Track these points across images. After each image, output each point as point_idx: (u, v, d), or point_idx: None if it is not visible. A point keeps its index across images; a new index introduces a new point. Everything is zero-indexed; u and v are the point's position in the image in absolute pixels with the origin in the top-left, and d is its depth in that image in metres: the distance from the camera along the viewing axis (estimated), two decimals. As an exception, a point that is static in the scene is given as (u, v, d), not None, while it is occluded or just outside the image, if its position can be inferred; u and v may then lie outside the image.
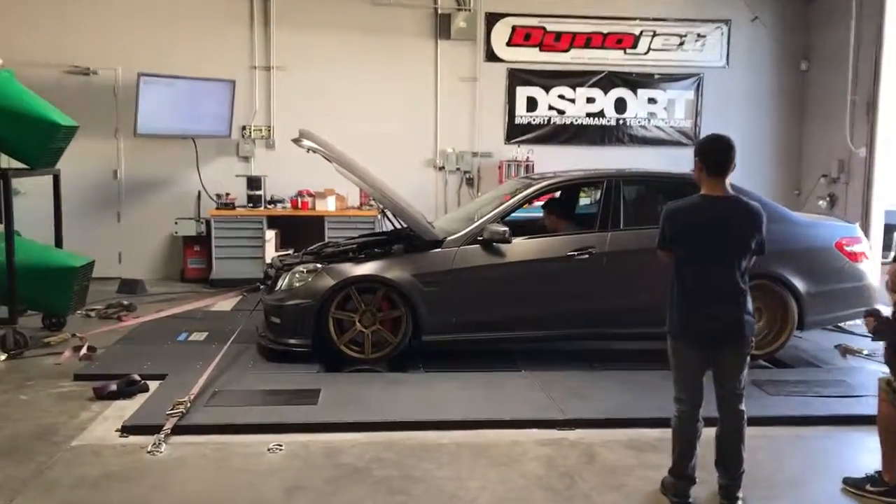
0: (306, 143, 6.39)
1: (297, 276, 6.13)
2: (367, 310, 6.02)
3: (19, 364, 6.07)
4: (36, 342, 6.38)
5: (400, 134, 10.17)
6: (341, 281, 5.99)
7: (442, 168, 10.32)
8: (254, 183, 9.56)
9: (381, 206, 6.52)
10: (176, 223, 9.67)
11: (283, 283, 6.20)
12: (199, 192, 9.96)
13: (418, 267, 6.08)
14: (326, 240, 9.12)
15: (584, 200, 7.47)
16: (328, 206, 9.54)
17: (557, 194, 7.08)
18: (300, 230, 9.64)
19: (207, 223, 9.67)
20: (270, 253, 9.43)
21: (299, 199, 9.62)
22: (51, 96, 7.05)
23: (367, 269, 6.07)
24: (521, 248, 6.15)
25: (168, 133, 9.51)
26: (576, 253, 6.13)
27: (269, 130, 10.07)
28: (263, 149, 10.11)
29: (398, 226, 6.84)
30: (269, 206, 9.62)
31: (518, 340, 6.29)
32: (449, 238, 6.17)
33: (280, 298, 6.12)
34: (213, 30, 9.84)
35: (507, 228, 6.06)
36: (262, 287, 6.92)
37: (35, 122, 6.21)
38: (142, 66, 9.24)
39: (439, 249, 6.14)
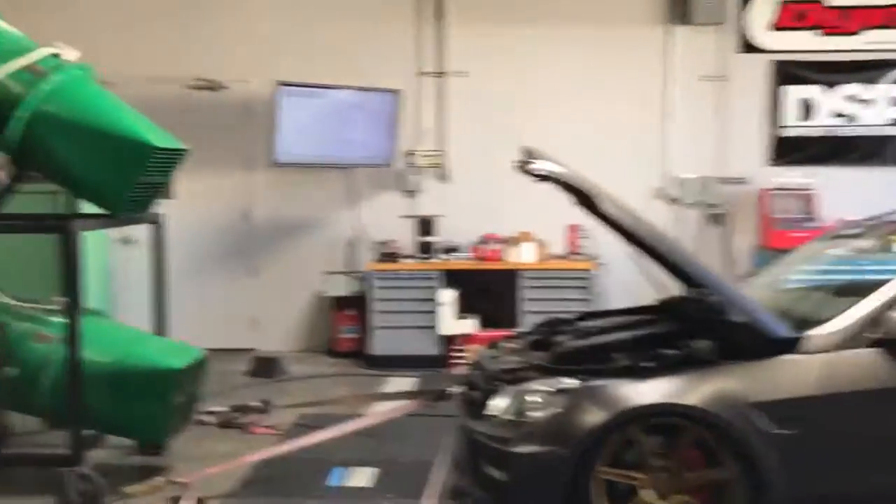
0: (544, 166, 3.78)
1: (532, 399, 3.48)
2: (665, 466, 3.31)
3: (83, 532, 3.76)
4: (113, 488, 4.06)
5: (616, 155, 7.43)
6: (619, 414, 3.30)
7: (675, 200, 7.49)
8: (425, 226, 7.09)
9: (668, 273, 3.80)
10: (324, 279, 7.34)
11: (505, 406, 3.56)
12: (354, 239, 7.62)
13: (758, 387, 3.30)
14: (526, 313, 6.56)
15: None
16: (524, 255, 6.92)
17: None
18: (486, 289, 7.09)
19: (364, 279, 7.29)
20: (447, 320, 6.91)
21: (485, 248, 7.06)
22: (167, 118, 4.80)
23: (660, 391, 3.35)
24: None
25: (314, 161, 7.22)
26: None
27: (443, 156, 7.61)
28: (435, 181, 7.65)
29: (660, 291, 4.14)
30: (443, 257, 7.12)
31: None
32: (813, 334, 3.36)
33: (502, 438, 3.48)
34: (368, 29, 7.51)
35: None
36: (450, 393, 4.37)
37: (115, 144, 3.93)
38: (281, 76, 7.00)
39: (796, 355, 3.34)
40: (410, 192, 7.65)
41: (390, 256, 7.05)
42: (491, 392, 3.69)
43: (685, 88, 7.41)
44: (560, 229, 7.10)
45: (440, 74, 7.57)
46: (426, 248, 7.01)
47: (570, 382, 3.44)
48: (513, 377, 3.67)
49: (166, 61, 7.53)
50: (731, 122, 7.41)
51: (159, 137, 4.14)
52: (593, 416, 3.30)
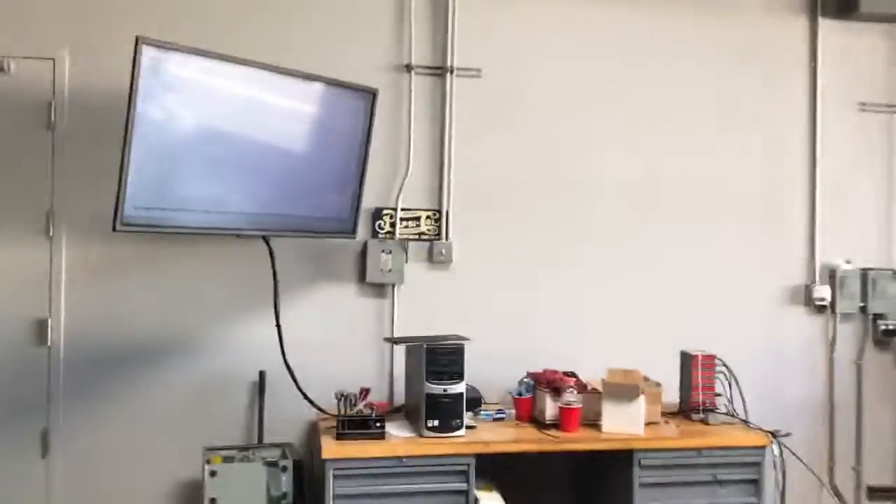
0: None
1: None
2: None
3: None
4: None
5: (725, 228, 4.38)
6: None
7: (825, 307, 4.45)
8: (439, 358, 3.46)
9: None
10: (207, 462, 3.48)
11: None
12: (271, 378, 3.87)
13: None
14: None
15: None
16: (631, 421, 3.51)
17: None
18: (555, 484, 3.64)
19: (295, 472, 3.54)
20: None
21: (547, 401, 3.60)
22: None
23: None
24: None
25: (197, 224, 3.40)
26: None
27: (439, 220, 4.12)
28: (424, 265, 4.11)
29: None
30: (467, 422, 3.54)
31: None
32: None
33: None
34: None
35: None
36: None
37: None
38: (119, 49, 3.19)
39: None
40: (377, 287, 4.06)
41: (366, 426, 3.37)
42: None
43: (844, 121, 4.49)
44: (664, 362, 3.87)
45: (437, 71, 4.12)
46: (448, 409, 3.39)
47: None
48: None
49: None
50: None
51: None
52: None
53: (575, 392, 3.53)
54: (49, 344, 3.75)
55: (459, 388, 3.39)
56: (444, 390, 3.37)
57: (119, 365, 3.82)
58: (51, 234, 3.76)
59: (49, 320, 3.75)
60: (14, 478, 3.72)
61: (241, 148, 3.40)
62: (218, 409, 3.88)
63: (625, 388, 3.48)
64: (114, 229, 2.96)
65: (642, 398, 3.50)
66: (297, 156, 3.61)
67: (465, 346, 3.45)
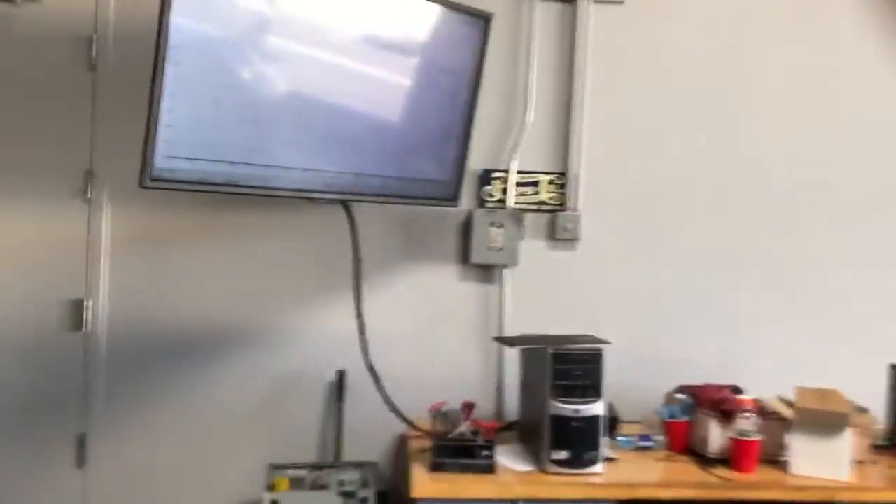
0: None
1: None
2: None
3: None
4: None
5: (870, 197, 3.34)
6: None
7: None
8: (568, 368, 2.61)
9: None
10: (269, 487, 2.74)
11: None
12: (350, 382, 3.11)
13: None
14: None
15: None
16: (832, 462, 2.56)
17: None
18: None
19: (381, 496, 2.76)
20: None
21: (713, 430, 2.68)
22: None
23: None
24: None
25: (257, 183, 2.63)
26: None
27: (564, 187, 3.24)
28: (544, 242, 3.25)
29: None
30: (618, 445, 2.66)
31: None
32: None
33: None
34: None
35: None
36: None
37: None
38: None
39: None
40: (485, 270, 3.22)
41: (470, 454, 2.54)
42: None
43: None
44: (857, 377, 2.88)
45: (565, -2, 3.24)
46: (581, 437, 2.52)
47: None
48: None
49: None
50: None
51: None
52: None
53: (754, 418, 2.60)
54: (86, 330, 3.09)
55: (596, 408, 2.52)
56: (576, 411, 2.50)
57: (170, 358, 3.13)
58: (89, 196, 3.09)
59: (86, 301, 3.08)
60: (44, 492, 3.08)
61: (319, 85, 2.61)
62: (288, 415, 3.15)
63: (827, 417, 2.53)
64: (140, 185, 2.22)
65: (849, 431, 2.54)
66: (390, 100, 2.80)
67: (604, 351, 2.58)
